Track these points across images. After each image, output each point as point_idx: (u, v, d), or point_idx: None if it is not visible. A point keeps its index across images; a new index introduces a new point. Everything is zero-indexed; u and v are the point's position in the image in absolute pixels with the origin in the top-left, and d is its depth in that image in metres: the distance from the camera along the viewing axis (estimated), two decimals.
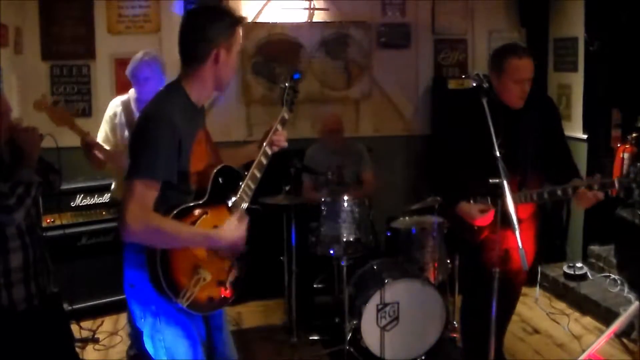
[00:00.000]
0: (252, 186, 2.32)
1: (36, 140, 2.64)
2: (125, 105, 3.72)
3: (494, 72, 3.11)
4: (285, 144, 2.45)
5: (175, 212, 2.08)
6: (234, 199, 2.27)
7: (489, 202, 3.04)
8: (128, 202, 2.01)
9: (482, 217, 3.06)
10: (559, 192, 2.95)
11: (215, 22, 2.18)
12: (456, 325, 4.21)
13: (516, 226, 2.47)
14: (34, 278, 2.62)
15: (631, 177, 2.88)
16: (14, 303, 2.56)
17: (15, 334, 2.59)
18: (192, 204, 2.14)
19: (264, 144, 2.41)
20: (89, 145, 3.47)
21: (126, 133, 3.66)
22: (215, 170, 2.21)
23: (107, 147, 3.63)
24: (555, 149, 3.20)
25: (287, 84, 2.56)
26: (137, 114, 3.58)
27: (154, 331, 2.18)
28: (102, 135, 3.76)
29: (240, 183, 2.30)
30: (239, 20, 2.23)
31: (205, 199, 2.17)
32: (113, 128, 3.73)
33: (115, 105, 3.77)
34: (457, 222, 3.21)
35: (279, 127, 2.44)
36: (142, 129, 2.09)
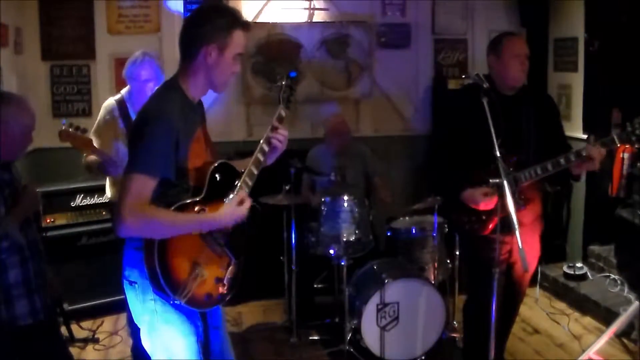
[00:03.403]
0: (250, 183, 2.32)
1: (34, 203, 2.69)
2: (121, 105, 3.66)
3: (493, 55, 3.21)
4: (282, 145, 2.42)
5: (173, 208, 2.09)
6: (231, 195, 2.27)
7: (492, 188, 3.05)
8: (125, 196, 2.01)
9: (486, 201, 3.05)
10: (562, 161, 2.95)
11: (212, 20, 2.18)
12: (456, 325, 4.22)
13: (516, 225, 2.46)
14: (36, 291, 2.61)
15: (629, 130, 2.88)
16: (16, 318, 2.54)
17: (16, 349, 2.58)
18: (189, 200, 2.14)
19: (261, 140, 2.41)
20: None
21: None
22: (212, 167, 2.22)
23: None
24: (553, 137, 3.22)
25: (283, 82, 2.56)
26: (133, 114, 3.55)
27: (152, 329, 2.19)
28: (99, 142, 3.68)
29: (236, 183, 2.30)
30: (238, 24, 2.21)
31: (202, 195, 2.17)
32: (115, 132, 3.63)
33: (111, 109, 3.65)
34: (463, 215, 3.21)
35: (277, 124, 2.44)
36: (141, 126, 2.10)
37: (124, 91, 3.69)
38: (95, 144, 3.67)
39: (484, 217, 3.12)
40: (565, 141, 3.29)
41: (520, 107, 3.15)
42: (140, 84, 3.54)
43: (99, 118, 3.72)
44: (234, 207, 2.19)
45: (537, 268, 4.74)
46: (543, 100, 3.34)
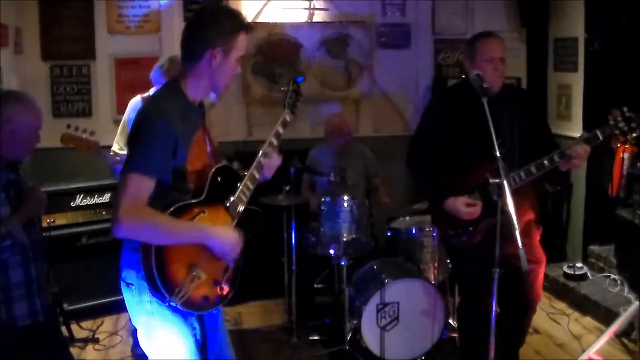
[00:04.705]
0: (251, 187, 2.31)
1: (40, 204, 2.68)
2: None
3: (468, 59, 3.13)
4: (270, 171, 2.42)
5: (172, 209, 2.07)
6: (232, 198, 2.26)
7: (476, 196, 3.01)
8: (121, 197, 2.01)
9: (469, 211, 2.99)
10: (546, 162, 2.92)
11: (217, 23, 2.17)
12: (456, 325, 4.22)
13: (516, 226, 2.45)
14: (37, 293, 2.60)
15: (611, 124, 2.85)
16: (15, 318, 2.54)
17: (15, 350, 2.57)
18: (189, 202, 2.13)
19: (264, 145, 2.41)
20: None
21: None
22: (213, 170, 2.20)
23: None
24: (538, 136, 3.18)
25: (289, 87, 2.54)
26: None
27: (149, 330, 2.18)
28: (122, 138, 3.75)
29: (239, 183, 2.29)
30: (242, 27, 2.21)
31: (202, 197, 2.16)
32: None
33: (136, 107, 3.73)
34: (448, 227, 3.16)
35: (281, 129, 2.43)
36: (139, 126, 2.09)
37: (152, 90, 3.75)
38: (120, 140, 3.74)
39: (470, 229, 3.05)
40: (551, 139, 3.23)
41: (501, 108, 3.06)
42: None
43: (124, 116, 3.81)
44: (231, 232, 2.19)
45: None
46: (524, 99, 3.28)
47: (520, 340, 3.49)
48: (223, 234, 2.16)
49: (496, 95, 3.07)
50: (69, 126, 3.26)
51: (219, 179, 2.22)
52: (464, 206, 3.01)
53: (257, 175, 2.34)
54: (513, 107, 3.15)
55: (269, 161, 2.40)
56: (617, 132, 2.86)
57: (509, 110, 3.12)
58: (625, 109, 2.85)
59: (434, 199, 3.22)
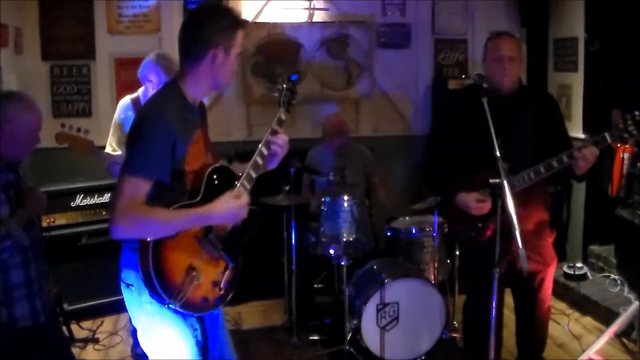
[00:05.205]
0: (248, 186, 2.30)
1: (40, 204, 2.68)
2: (136, 103, 3.70)
3: (484, 60, 3.18)
4: (282, 150, 2.40)
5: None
6: (227, 194, 2.25)
7: (487, 193, 3.02)
8: (118, 199, 2.01)
9: (479, 207, 3.03)
10: (555, 163, 2.91)
11: (216, 22, 2.17)
12: (456, 325, 4.22)
13: (516, 225, 2.45)
14: (38, 293, 2.60)
15: (621, 127, 2.84)
16: (16, 319, 2.53)
17: (16, 351, 2.57)
18: (185, 203, 2.12)
19: (261, 144, 2.40)
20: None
21: None
22: (209, 170, 2.20)
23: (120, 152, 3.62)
24: (555, 138, 3.15)
25: (284, 85, 2.55)
26: None
27: (149, 331, 2.18)
28: (115, 139, 3.75)
29: (236, 183, 2.29)
30: (240, 23, 2.22)
31: (199, 198, 2.15)
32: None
33: (126, 107, 3.72)
34: (458, 223, 3.18)
35: (277, 127, 2.43)
36: (138, 128, 2.09)
37: (140, 90, 3.73)
38: (113, 141, 3.73)
39: (479, 225, 3.07)
40: (569, 142, 3.20)
41: (516, 108, 3.09)
42: (153, 85, 3.56)
43: (115, 116, 3.79)
44: (230, 200, 2.16)
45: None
46: (542, 100, 3.28)
47: (538, 343, 3.46)
48: (220, 207, 2.13)
49: (512, 95, 3.11)
50: (63, 125, 3.25)
51: (215, 179, 2.21)
52: (474, 201, 3.05)
53: (253, 175, 2.33)
54: (528, 107, 3.14)
55: (277, 139, 2.37)
56: (626, 135, 2.84)
57: (524, 111, 3.12)
58: (637, 112, 2.83)
59: (445, 193, 3.25)
